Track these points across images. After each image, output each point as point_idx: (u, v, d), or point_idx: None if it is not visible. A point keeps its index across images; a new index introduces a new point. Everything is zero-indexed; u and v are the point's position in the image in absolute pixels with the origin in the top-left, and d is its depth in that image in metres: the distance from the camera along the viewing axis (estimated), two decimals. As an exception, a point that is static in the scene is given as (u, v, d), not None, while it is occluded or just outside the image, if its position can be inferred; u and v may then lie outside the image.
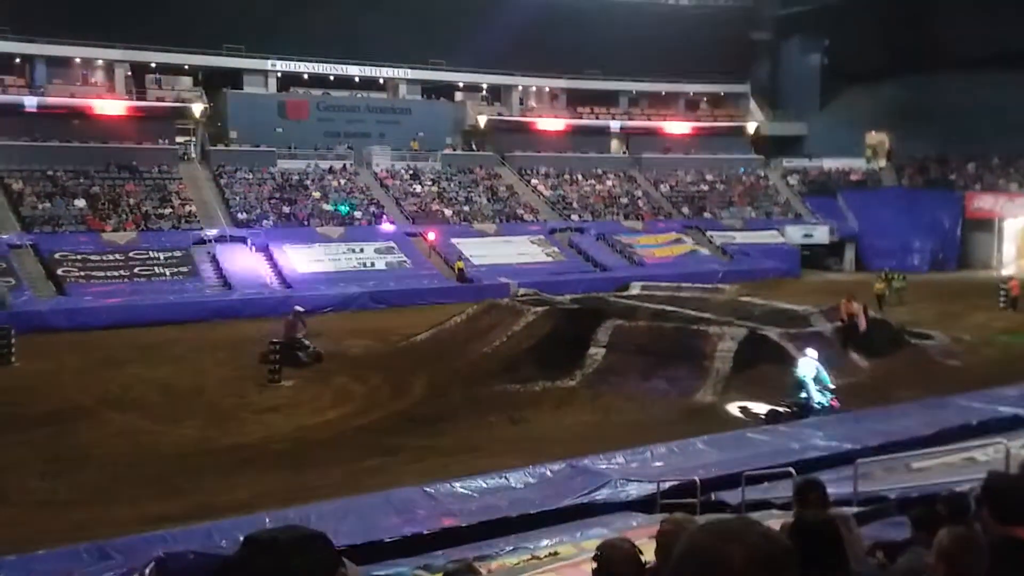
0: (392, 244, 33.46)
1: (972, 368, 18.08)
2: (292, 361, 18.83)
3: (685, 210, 42.21)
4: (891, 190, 42.59)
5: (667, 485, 9.73)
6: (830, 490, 5.62)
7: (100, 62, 37.90)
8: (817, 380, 14.72)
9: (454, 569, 4.38)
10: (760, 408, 15.23)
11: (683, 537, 1.42)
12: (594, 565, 3.74)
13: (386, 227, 34.65)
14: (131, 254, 29.44)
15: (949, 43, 41.03)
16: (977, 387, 14.42)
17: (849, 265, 39.77)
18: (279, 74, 40.78)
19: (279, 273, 30.60)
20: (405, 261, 32.79)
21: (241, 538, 6.91)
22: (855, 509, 7.96)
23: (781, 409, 14.76)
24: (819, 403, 14.56)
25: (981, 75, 39.57)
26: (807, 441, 11.46)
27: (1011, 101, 38.84)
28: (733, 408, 15.87)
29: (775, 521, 6.52)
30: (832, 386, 14.94)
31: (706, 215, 41.75)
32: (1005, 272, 37.92)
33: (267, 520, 8.90)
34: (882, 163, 45.94)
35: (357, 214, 35.59)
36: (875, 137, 47.52)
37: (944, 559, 3.11)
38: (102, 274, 28.26)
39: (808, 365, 14.89)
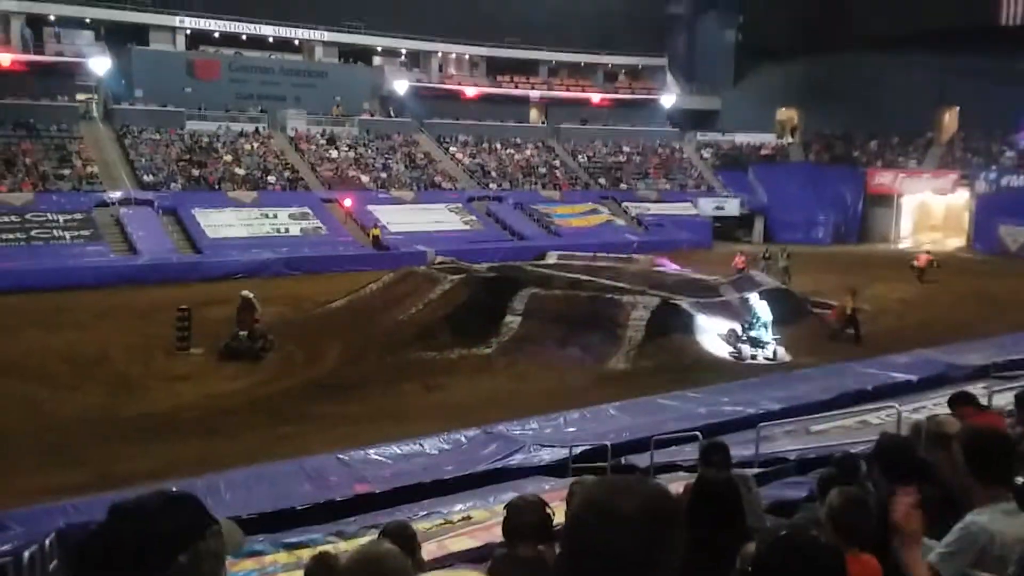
0: (307, 210, 32.81)
1: (869, 336, 18.93)
2: (250, 355, 16.98)
3: (602, 181, 42.66)
4: (798, 165, 43.96)
5: (579, 450, 9.95)
6: (733, 452, 5.86)
7: (-7, 12, 35.77)
8: (764, 323, 17.19)
9: (391, 529, 4.34)
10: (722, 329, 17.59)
11: (579, 493, 1.47)
12: (503, 516, 3.83)
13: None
14: (28, 216, 28.04)
15: (858, 22, 42.44)
16: (873, 355, 15.16)
17: (758, 237, 40.98)
18: (188, 31, 39.21)
19: (188, 238, 29.68)
20: (320, 227, 32.22)
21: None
22: (756, 470, 8.31)
23: (739, 331, 17.35)
24: (767, 343, 17.07)
25: (887, 55, 41.09)
26: (713, 406, 11.86)
27: (913, 81, 40.53)
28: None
29: (680, 482, 6.76)
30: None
31: (622, 186, 42.30)
32: (903, 245, 39.80)
33: (174, 489, 8.73)
34: (791, 139, 47.32)
35: (271, 179, 34.71)
36: (785, 113, 48.91)
37: (831, 517, 3.29)
38: (-5, 237, 26.91)
39: (765, 308, 17.37)
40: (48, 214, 28.39)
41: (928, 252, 29.96)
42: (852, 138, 44.88)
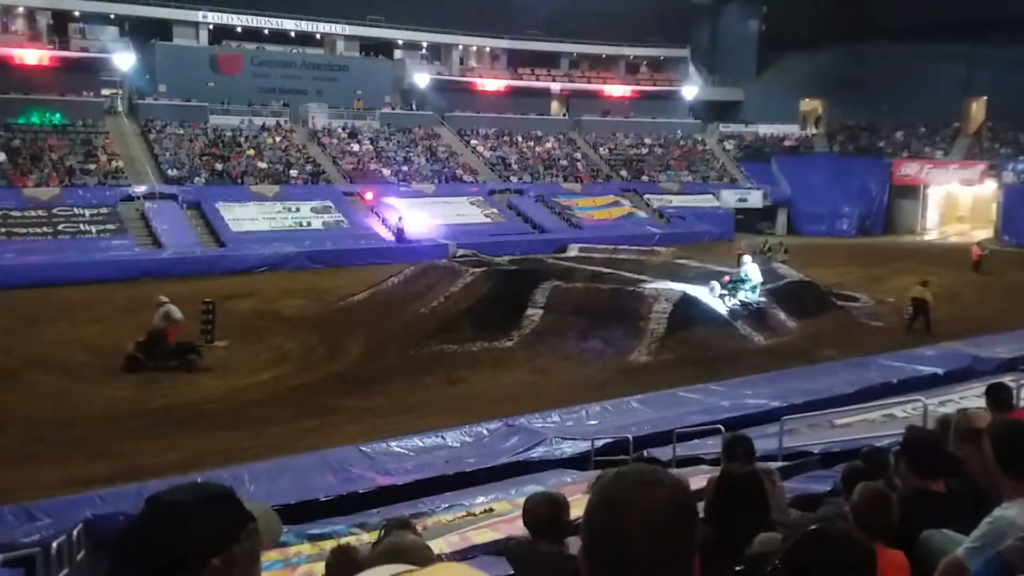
0: (329, 203, 32.94)
1: (894, 329, 18.74)
2: (185, 365, 15.92)
3: (623, 173, 42.49)
4: (823, 156, 43.49)
5: (601, 443, 9.95)
6: (756, 446, 5.82)
7: (21, 9, 36.11)
8: (754, 285, 18.40)
9: (391, 525, 4.41)
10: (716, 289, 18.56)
11: (596, 485, 1.47)
12: (523, 512, 3.84)
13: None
14: (55, 211, 28.35)
15: (883, 13, 41.85)
16: (898, 348, 15.01)
17: (781, 229, 40.64)
18: (211, 26, 39.41)
19: (212, 231, 29.91)
20: (342, 221, 32.34)
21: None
22: (780, 464, 8.26)
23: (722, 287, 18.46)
24: (754, 301, 18.24)
25: (912, 45, 40.54)
26: (736, 399, 11.80)
27: (940, 71, 39.99)
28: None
29: (703, 475, 6.73)
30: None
31: (644, 178, 42.08)
32: (929, 237, 39.32)
33: (199, 481, 8.82)
34: (815, 130, 46.85)
35: (293, 173, 34.88)
36: (809, 104, 48.41)
37: (856, 512, 3.26)
38: (24, 231, 27.18)
39: (754, 269, 18.56)
40: (74, 208, 28.69)
41: (978, 244, 29.56)
42: (877, 129, 44.37)
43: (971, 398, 9.89)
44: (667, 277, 20.42)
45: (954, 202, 42.63)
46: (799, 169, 41.91)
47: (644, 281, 19.37)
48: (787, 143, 45.53)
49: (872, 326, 19.31)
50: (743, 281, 18.53)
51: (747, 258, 19.69)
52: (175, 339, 16.13)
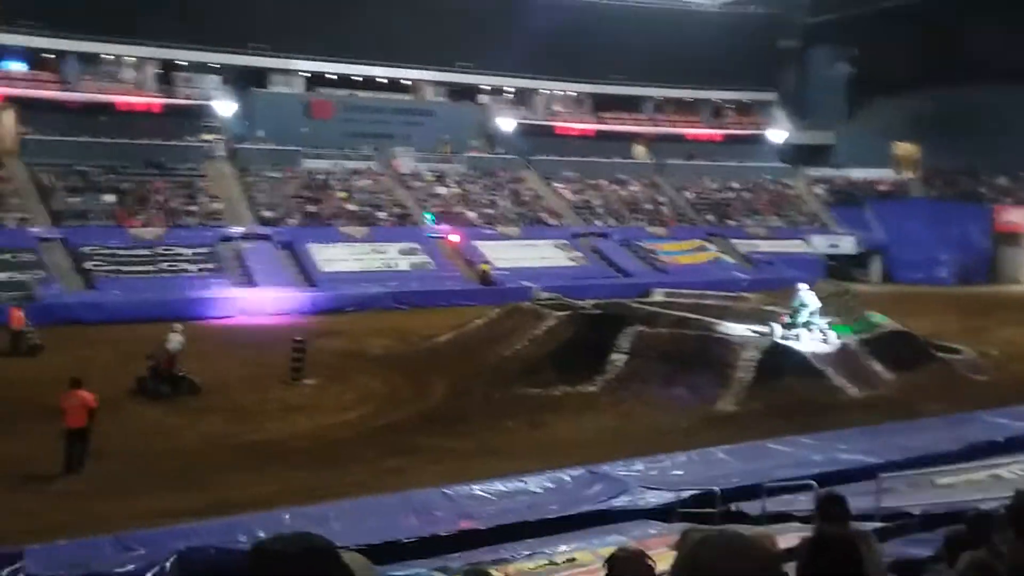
0: (416, 245, 33.56)
1: (999, 384, 17.83)
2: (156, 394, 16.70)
3: (709, 217, 41.98)
4: (919, 201, 42.09)
5: (686, 494, 9.70)
6: (852, 504, 5.57)
7: (130, 59, 38.36)
8: (813, 311, 18.56)
9: (471, 572, 4.36)
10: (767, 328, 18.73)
11: (686, 547, 1.43)
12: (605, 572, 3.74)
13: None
14: (158, 250, 29.72)
15: (980, 55, 40.53)
16: (1004, 403, 14.25)
17: (876, 276, 39.34)
18: (306, 74, 41.05)
19: (303, 271, 30.80)
20: (428, 262, 32.87)
21: (261, 534, 6.96)
22: (877, 524, 7.89)
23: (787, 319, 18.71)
24: (814, 326, 18.41)
25: (1012, 88, 39.06)
26: (829, 453, 11.37)
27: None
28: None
29: (794, 533, 6.48)
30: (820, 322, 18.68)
31: (730, 223, 41.48)
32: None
33: (287, 517, 8.97)
34: (911, 174, 45.44)
35: (381, 215, 35.70)
36: (903, 148, 47.03)
37: (960, 583, 3.08)
38: (129, 269, 28.55)
39: (809, 295, 18.82)
40: (176, 247, 30.02)
41: None
42: (977, 173, 42.74)
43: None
44: (734, 320, 20.31)
45: (1062, 250, 40.54)
46: (894, 214, 40.62)
47: (714, 324, 19.53)
48: (881, 188, 44.27)
49: (975, 380, 18.41)
50: (800, 310, 18.69)
51: (801, 286, 19.49)
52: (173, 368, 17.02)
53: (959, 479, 10.24)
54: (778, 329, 18.57)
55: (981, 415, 13.22)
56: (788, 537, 6.38)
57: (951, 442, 11.64)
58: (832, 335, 18.56)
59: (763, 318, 19.97)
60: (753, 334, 18.71)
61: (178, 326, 18.16)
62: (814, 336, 18.39)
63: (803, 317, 18.57)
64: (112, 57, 38.07)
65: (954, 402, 15.48)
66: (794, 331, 18.40)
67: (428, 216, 35.13)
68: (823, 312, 19.18)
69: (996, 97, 39.78)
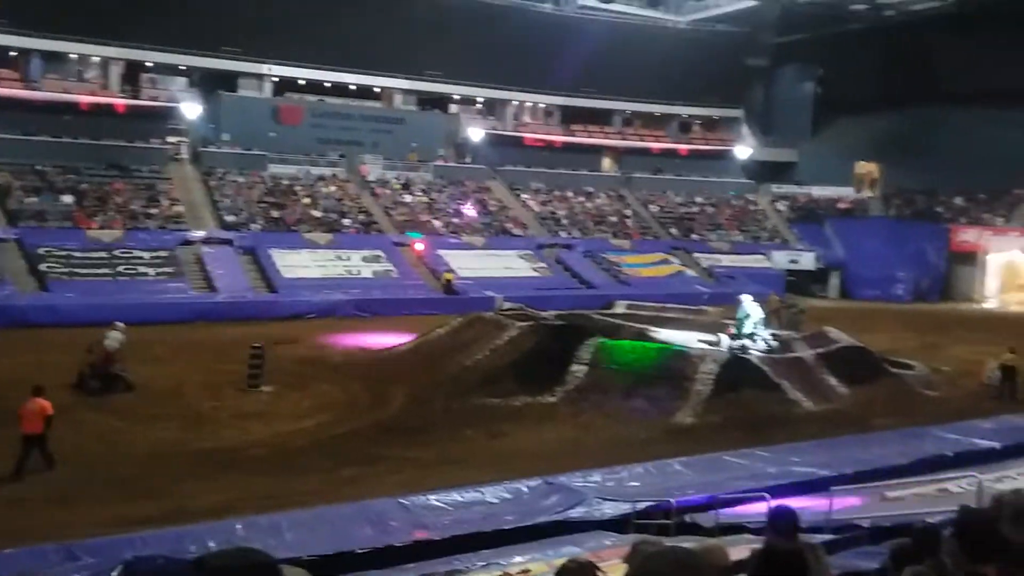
0: (380, 253, 33.43)
1: (950, 400, 18.18)
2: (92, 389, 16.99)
3: (673, 231, 42.37)
4: (878, 220, 42.88)
5: (642, 506, 9.76)
6: (803, 516, 5.65)
7: (96, 59, 37.83)
8: (756, 321, 19.29)
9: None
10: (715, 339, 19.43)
11: (636, 564, 1.45)
12: None
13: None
14: (116, 252, 29.22)
15: (942, 78, 41.52)
16: (954, 419, 14.55)
17: (834, 292, 39.99)
18: (275, 78, 40.75)
19: (264, 277, 30.50)
20: (392, 270, 32.74)
21: (211, 545, 6.87)
22: (827, 537, 8.01)
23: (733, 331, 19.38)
24: (758, 336, 19.13)
25: (972, 110, 40.01)
26: (783, 466, 11.51)
27: (1000, 137, 39.27)
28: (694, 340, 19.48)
29: (746, 545, 6.55)
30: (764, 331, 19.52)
31: (694, 237, 41.92)
32: (988, 305, 38.26)
33: (239, 527, 8.87)
34: (870, 193, 46.30)
35: (346, 222, 35.51)
36: (864, 167, 47.92)
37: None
38: (86, 271, 28.02)
39: (753, 306, 19.54)
40: (135, 251, 29.55)
41: None
42: (935, 193, 43.66)
43: (1031, 476, 9.52)
44: (687, 330, 21.11)
45: (1015, 270, 41.48)
46: (853, 232, 41.37)
47: (648, 329, 20.54)
48: (841, 205, 45.04)
49: (927, 395, 18.76)
50: (744, 320, 19.45)
51: (745, 297, 20.35)
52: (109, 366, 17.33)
53: (908, 493, 10.43)
54: (725, 339, 19.26)
55: (932, 430, 13.48)
56: (740, 549, 6.44)
57: (901, 456, 11.86)
58: (775, 343, 19.49)
59: (713, 329, 20.70)
60: (701, 344, 19.30)
61: (120, 324, 18.34)
62: (758, 346, 19.08)
63: (747, 328, 19.35)
64: (76, 56, 37.50)
65: (906, 417, 15.77)
66: (738, 341, 19.08)
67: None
68: (767, 323, 20.06)
69: (955, 118, 40.73)
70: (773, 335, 20.07)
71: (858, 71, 45.17)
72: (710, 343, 19.38)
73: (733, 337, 19.27)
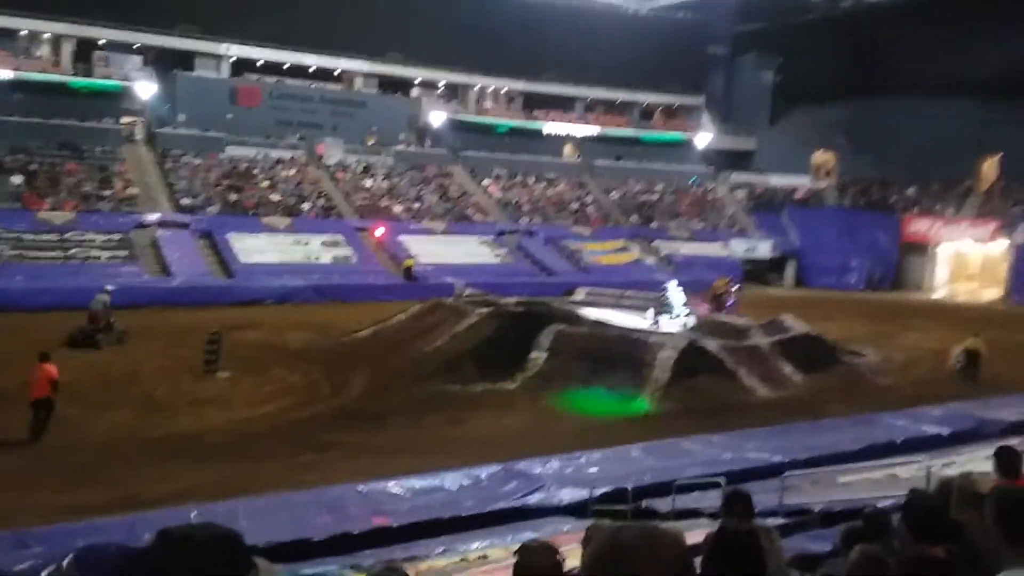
0: (339, 238, 33.14)
1: (901, 387, 18.60)
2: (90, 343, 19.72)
3: (633, 218, 42.64)
4: (833, 210, 43.55)
5: (600, 491, 9.85)
6: (756, 501, 5.75)
7: (47, 35, 36.83)
8: (680, 304, 22.07)
9: (379, 571, 4.36)
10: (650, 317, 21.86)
11: (593, 542, 1.48)
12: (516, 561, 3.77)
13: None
14: (67, 235, 28.55)
15: (898, 69, 42.22)
16: (904, 406, 14.89)
17: (789, 281, 40.60)
18: (233, 59, 40.06)
19: (221, 261, 30.07)
20: (351, 256, 32.49)
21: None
22: (780, 520, 8.16)
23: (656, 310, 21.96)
24: (677, 315, 21.75)
25: (926, 102, 40.77)
26: (738, 452, 11.69)
27: (953, 128, 40.15)
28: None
29: (702, 530, 6.65)
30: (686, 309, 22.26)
31: (654, 224, 42.23)
32: (937, 295, 39.15)
33: (194, 514, 8.76)
34: (826, 183, 47.02)
35: (306, 206, 35.13)
36: (821, 156, 48.65)
37: (850, 575, 3.22)
38: (35, 254, 27.39)
39: (677, 293, 22.22)
40: (87, 233, 28.91)
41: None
42: (888, 184, 44.48)
43: (976, 461, 9.78)
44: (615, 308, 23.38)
45: (964, 260, 42.50)
46: (809, 221, 42.00)
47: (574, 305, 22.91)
48: (798, 195, 45.67)
49: (878, 383, 19.18)
50: (668, 305, 22.06)
51: (671, 283, 23.01)
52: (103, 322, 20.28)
53: (859, 478, 10.66)
54: (651, 315, 21.81)
55: (882, 417, 13.78)
56: (695, 533, 6.54)
57: (853, 442, 12.10)
58: (690, 321, 21.88)
59: (643, 309, 22.87)
60: (631, 322, 21.65)
61: (109, 288, 21.61)
62: (674, 322, 21.50)
63: (670, 308, 22.09)
64: (26, 32, 36.47)
65: (858, 404, 16.10)
66: (659, 317, 21.73)
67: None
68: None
69: (909, 110, 41.47)
70: (689, 314, 22.47)
71: (816, 61, 45.76)
72: (642, 319, 21.90)
73: (656, 315, 21.78)
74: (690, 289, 26.72)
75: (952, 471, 8.34)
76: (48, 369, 13.47)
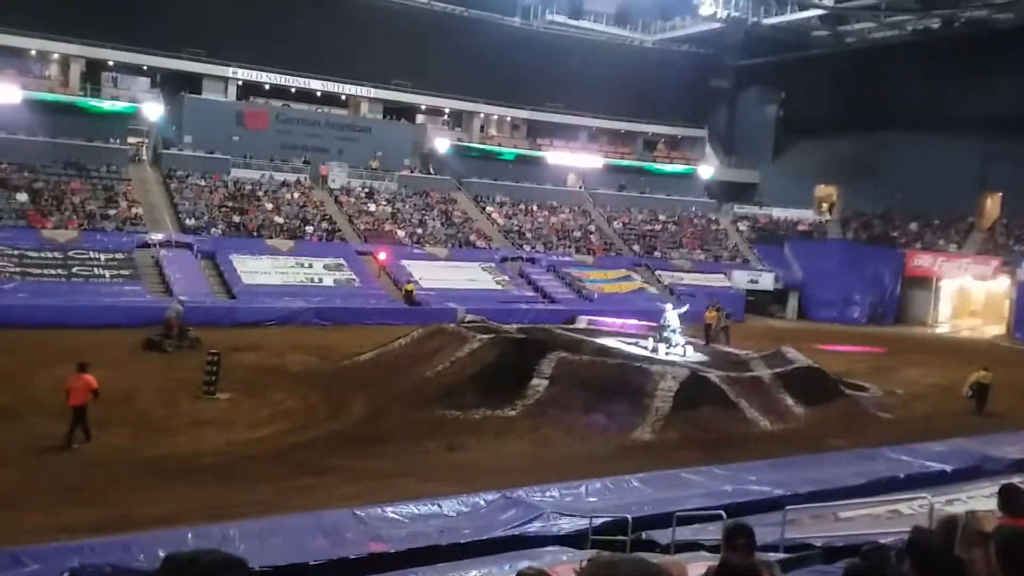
0: (341, 261, 33.18)
1: (903, 421, 18.50)
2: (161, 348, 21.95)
3: (636, 247, 42.71)
4: (836, 243, 43.66)
5: (599, 521, 9.75)
6: (758, 535, 5.69)
7: (56, 56, 37.17)
8: (675, 329, 21.97)
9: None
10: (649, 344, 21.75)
11: (596, 569, 1.45)
12: None
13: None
14: (71, 253, 28.62)
15: (901, 105, 42.49)
16: (906, 441, 14.79)
17: (791, 313, 40.57)
18: (240, 82, 40.38)
19: (223, 283, 30.08)
20: (354, 279, 32.51)
21: (161, 554, 6.73)
22: (781, 555, 8.05)
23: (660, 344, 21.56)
24: (675, 341, 21.67)
25: (929, 137, 40.98)
26: (740, 485, 11.59)
27: (956, 165, 40.35)
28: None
29: (702, 563, 6.57)
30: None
31: (656, 254, 42.29)
32: (940, 330, 39.10)
33: (189, 536, 8.68)
34: (829, 216, 47.14)
35: (309, 229, 35.22)
36: (824, 190, 48.83)
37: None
38: (39, 272, 27.42)
39: (674, 316, 22.18)
40: (90, 252, 28.97)
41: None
42: (891, 218, 44.61)
43: (979, 498, 9.69)
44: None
45: (967, 296, 42.54)
46: (812, 254, 42.04)
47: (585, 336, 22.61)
48: (801, 227, 45.77)
49: (880, 417, 19.09)
50: (666, 328, 21.93)
51: (667, 306, 23.22)
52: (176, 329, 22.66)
53: (861, 513, 10.55)
54: (651, 343, 21.67)
55: (884, 451, 13.67)
56: (696, 566, 6.46)
57: (855, 477, 11.99)
58: (689, 349, 21.82)
59: (644, 337, 23.11)
60: (632, 347, 21.82)
61: (183, 297, 25.26)
62: (674, 349, 21.44)
63: (667, 334, 21.82)
64: (36, 53, 36.81)
65: (860, 438, 16.01)
66: (659, 343, 21.56)
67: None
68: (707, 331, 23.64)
69: (912, 146, 41.69)
70: (688, 342, 22.56)
71: (819, 96, 46.05)
72: (642, 347, 21.80)
73: (656, 341, 21.69)
74: (688, 323, 26.86)
75: (955, 508, 8.27)
76: (87, 379, 14.03)
